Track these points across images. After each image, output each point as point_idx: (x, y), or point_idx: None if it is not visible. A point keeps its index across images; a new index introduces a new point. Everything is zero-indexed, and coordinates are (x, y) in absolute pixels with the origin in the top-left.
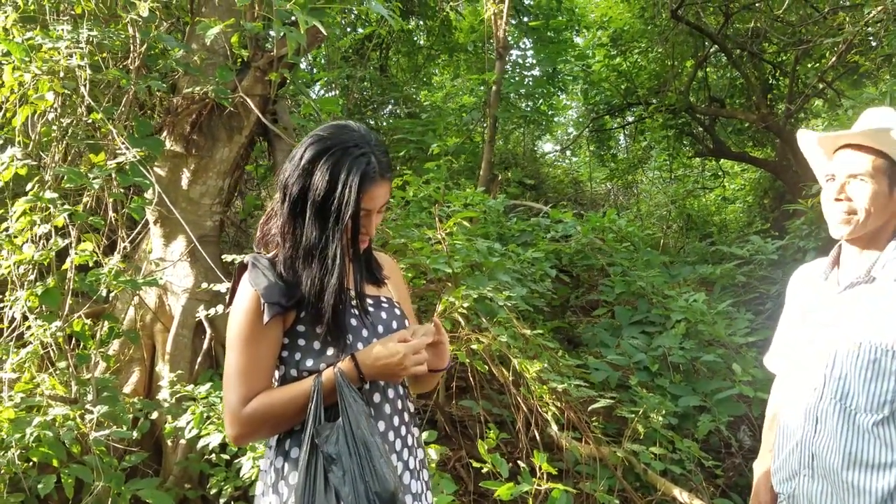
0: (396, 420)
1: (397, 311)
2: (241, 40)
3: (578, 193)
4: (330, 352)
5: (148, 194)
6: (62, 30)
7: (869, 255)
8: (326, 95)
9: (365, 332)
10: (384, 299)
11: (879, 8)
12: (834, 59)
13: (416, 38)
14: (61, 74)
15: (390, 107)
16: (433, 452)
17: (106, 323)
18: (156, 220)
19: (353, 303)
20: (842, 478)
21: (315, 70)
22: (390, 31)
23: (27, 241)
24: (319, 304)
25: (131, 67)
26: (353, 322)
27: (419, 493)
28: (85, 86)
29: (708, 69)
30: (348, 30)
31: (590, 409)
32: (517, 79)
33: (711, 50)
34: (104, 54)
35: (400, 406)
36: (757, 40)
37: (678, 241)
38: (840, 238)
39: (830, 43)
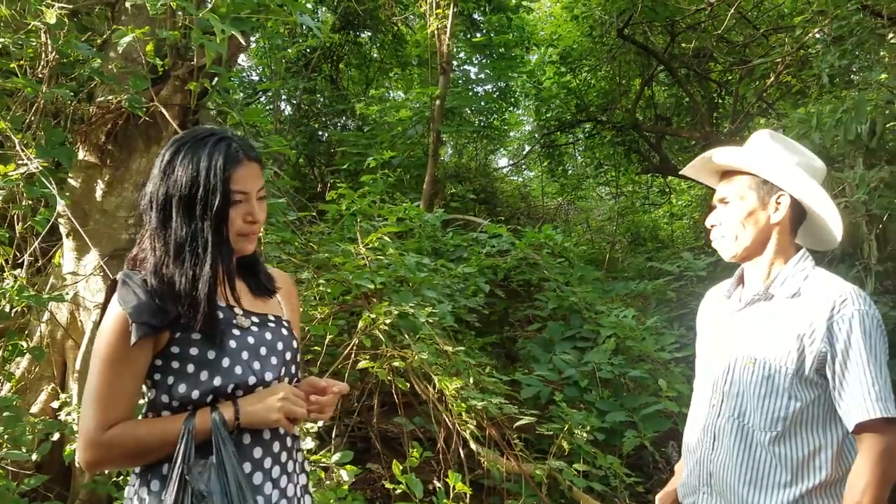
0: (276, 446)
1: (284, 332)
2: (160, 49)
3: (531, 208)
4: (204, 376)
5: (60, 206)
6: None
7: (768, 271)
8: (269, 106)
9: (245, 354)
10: (272, 317)
11: (816, 30)
12: (773, 78)
13: (367, 51)
14: None
15: (341, 120)
16: (345, 474)
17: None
18: (68, 234)
19: (234, 322)
20: (737, 495)
21: (262, 80)
22: (340, 43)
23: None
24: (193, 299)
25: (41, 76)
26: (233, 344)
27: None
28: None
29: (655, 87)
30: (297, 41)
31: (515, 425)
32: (469, 94)
33: (658, 69)
34: (17, 62)
35: (281, 431)
36: (703, 60)
37: (626, 256)
38: (728, 259)
39: (769, 62)
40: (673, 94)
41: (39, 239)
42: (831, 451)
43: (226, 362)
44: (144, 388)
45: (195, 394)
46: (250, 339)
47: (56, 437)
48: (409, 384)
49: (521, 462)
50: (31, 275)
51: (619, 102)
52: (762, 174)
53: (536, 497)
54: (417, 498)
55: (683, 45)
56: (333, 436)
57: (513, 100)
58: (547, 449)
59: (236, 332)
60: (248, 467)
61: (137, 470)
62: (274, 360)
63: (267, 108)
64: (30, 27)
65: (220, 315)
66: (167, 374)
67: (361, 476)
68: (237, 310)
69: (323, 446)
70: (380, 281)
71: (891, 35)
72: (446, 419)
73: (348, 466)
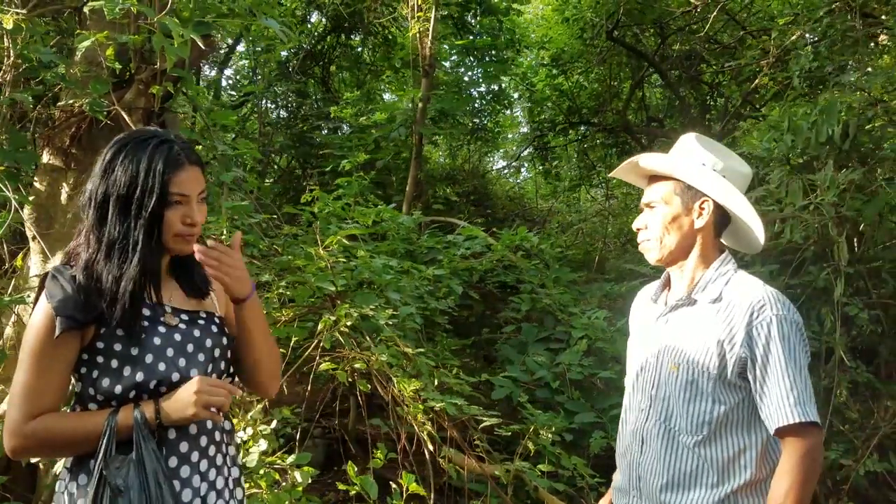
0: (203, 440)
1: (214, 329)
2: (124, 53)
3: (525, 210)
4: (127, 371)
5: (26, 211)
6: None
7: (692, 276)
8: (255, 110)
9: (170, 351)
10: (203, 314)
11: (798, 32)
12: (756, 81)
13: (358, 54)
14: None
15: (332, 122)
16: (299, 476)
17: None
18: (33, 237)
19: (162, 319)
20: (662, 499)
21: (251, 83)
22: (332, 45)
23: None
24: (115, 296)
25: (2, 80)
26: (157, 341)
27: None
28: None
29: (648, 89)
30: (286, 43)
31: (480, 426)
32: (463, 96)
33: (649, 71)
34: None
35: (209, 425)
36: (694, 61)
37: (617, 258)
38: (654, 263)
39: (754, 65)
40: (665, 95)
41: (22, 242)
42: (756, 451)
43: (149, 358)
44: (73, 380)
45: (118, 388)
46: (177, 336)
47: None
48: (370, 386)
49: (484, 463)
50: None
51: (611, 104)
52: (686, 180)
53: (501, 498)
54: (373, 499)
55: (675, 46)
56: (308, 437)
57: (506, 102)
58: (517, 451)
59: (162, 329)
60: (174, 461)
61: (68, 465)
62: (201, 357)
63: (253, 111)
64: None
65: (147, 312)
66: (92, 368)
67: (334, 477)
68: (167, 307)
69: (292, 447)
70: (342, 283)
71: (882, 36)
72: (408, 420)
73: (305, 468)
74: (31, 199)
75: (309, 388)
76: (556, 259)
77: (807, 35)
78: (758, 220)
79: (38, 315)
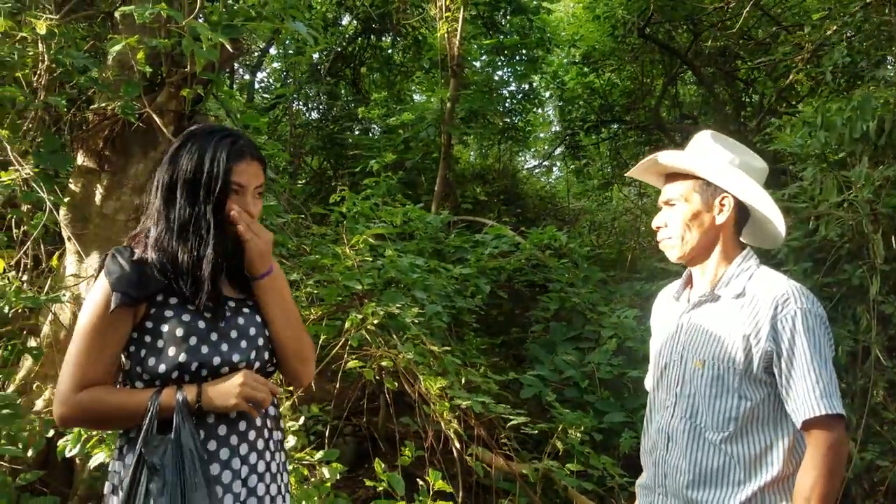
0: (243, 425)
1: (258, 318)
2: (155, 57)
3: (557, 210)
4: (171, 352)
5: (62, 211)
6: None
7: (715, 272)
8: (286, 112)
9: (214, 336)
10: (249, 303)
11: (834, 27)
12: (791, 77)
13: (389, 55)
14: None
15: (363, 124)
16: (327, 472)
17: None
18: (69, 237)
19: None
20: (689, 496)
21: (282, 85)
22: (362, 47)
23: None
24: (197, 275)
25: (37, 85)
26: (202, 325)
27: (274, 496)
28: None
29: (682, 86)
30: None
31: (508, 425)
32: (494, 95)
33: (682, 68)
34: (15, 71)
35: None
36: (728, 58)
37: (651, 256)
38: (675, 261)
39: (788, 60)
40: (699, 92)
41: (32, 242)
42: (783, 447)
43: (193, 341)
44: (122, 358)
45: (162, 367)
46: (221, 323)
47: (51, 434)
48: (396, 384)
49: (513, 461)
50: (35, 277)
51: (643, 102)
52: (707, 176)
53: (530, 497)
54: (399, 495)
55: (708, 43)
56: (338, 435)
57: (537, 100)
58: (547, 450)
59: (207, 314)
60: (213, 444)
61: (118, 444)
62: (243, 344)
63: (285, 114)
64: (17, 37)
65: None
66: (140, 347)
67: (364, 475)
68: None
69: (323, 444)
70: (368, 282)
71: None
72: (434, 418)
73: (334, 464)
74: (66, 200)
75: (338, 385)
76: (585, 258)
77: (841, 30)
78: (778, 212)
79: (95, 290)
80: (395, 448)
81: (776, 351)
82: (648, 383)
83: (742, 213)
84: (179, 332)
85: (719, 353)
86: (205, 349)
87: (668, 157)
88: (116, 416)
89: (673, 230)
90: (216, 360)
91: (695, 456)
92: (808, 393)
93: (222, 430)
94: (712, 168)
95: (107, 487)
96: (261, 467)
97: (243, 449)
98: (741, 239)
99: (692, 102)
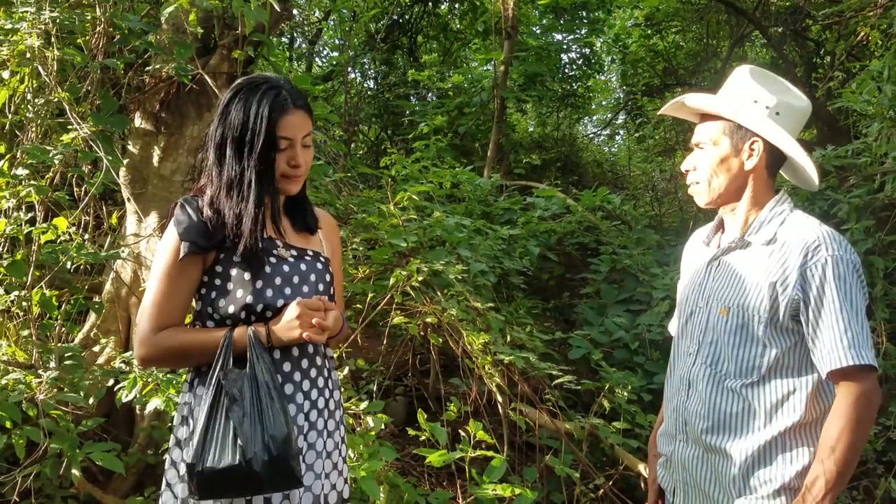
0: (305, 363)
1: (319, 266)
2: (208, 20)
3: (618, 178)
4: (240, 294)
5: (122, 172)
6: (25, 11)
7: (745, 217)
8: (340, 79)
9: (278, 280)
10: (310, 252)
11: None
12: (860, 34)
13: (445, 22)
14: (27, 56)
15: (420, 91)
16: (371, 421)
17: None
18: (128, 198)
19: (274, 252)
20: (708, 442)
21: (334, 54)
22: (419, 15)
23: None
24: (238, 231)
25: (94, 48)
26: (268, 270)
27: (332, 430)
28: (49, 66)
29: (747, 48)
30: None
31: (553, 383)
32: (550, 58)
33: (749, 28)
34: (73, 36)
35: (310, 350)
36: (799, 17)
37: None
38: (703, 206)
39: (859, 17)
40: (768, 54)
41: (93, 202)
42: (806, 391)
43: (258, 284)
44: (194, 301)
45: (231, 308)
46: (285, 268)
47: (111, 383)
48: (440, 340)
49: (558, 419)
50: (97, 236)
51: (709, 64)
52: (734, 118)
53: (576, 455)
54: (442, 444)
55: (777, 1)
56: (390, 395)
57: (598, 65)
58: (593, 409)
59: (273, 260)
60: (278, 379)
61: (189, 377)
62: (305, 289)
63: (341, 82)
64: (77, 2)
65: (261, 245)
66: (211, 290)
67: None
68: (279, 241)
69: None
70: (413, 240)
71: None
72: (477, 372)
73: (379, 415)
74: (125, 161)
75: (385, 342)
76: (639, 220)
77: None
78: (809, 161)
79: (167, 238)
80: (444, 408)
81: (803, 299)
82: (673, 329)
83: (775, 156)
84: (247, 276)
85: (744, 301)
86: (269, 292)
87: (696, 99)
88: (194, 352)
89: (701, 174)
90: (279, 303)
91: (713, 401)
92: (835, 343)
93: (287, 366)
94: (741, 111)
95: (176, 419)
96: (321, 403)
97: (305, 385)
98: (783, 173)
99: (760, 65)
